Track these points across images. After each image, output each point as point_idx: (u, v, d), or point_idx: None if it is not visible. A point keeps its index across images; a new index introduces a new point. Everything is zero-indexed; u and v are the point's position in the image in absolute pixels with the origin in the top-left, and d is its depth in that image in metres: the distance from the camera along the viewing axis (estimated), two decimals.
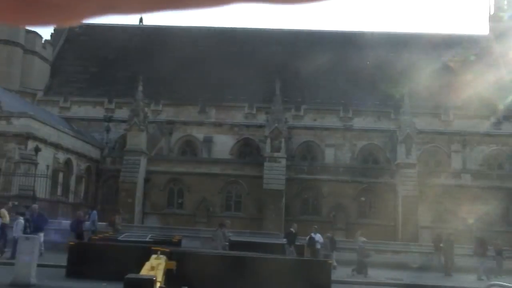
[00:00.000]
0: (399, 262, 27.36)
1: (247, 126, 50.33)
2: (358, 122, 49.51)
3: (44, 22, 0.74)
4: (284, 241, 24.84)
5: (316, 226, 26.65)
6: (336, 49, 54.52)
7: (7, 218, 22.57)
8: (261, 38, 59.74)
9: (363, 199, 42.16)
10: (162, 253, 11.14)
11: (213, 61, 56.76)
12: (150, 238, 22.16)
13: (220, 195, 42.87)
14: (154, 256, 10.76)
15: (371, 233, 31.37)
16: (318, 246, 24.97)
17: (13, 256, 19.50)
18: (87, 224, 26.14)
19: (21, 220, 20.60)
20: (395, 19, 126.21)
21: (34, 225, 20.42)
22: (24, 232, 20.34)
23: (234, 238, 24.62)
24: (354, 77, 51.20)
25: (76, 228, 23.84)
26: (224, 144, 49.93)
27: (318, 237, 25.53)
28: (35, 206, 20.05)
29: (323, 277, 14.82)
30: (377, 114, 49.46)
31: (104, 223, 28.18)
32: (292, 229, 25.11)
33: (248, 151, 50.50)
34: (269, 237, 29.90)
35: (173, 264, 10.84)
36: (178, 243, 21.49)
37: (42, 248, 19.74)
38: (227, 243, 22.50)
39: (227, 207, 43.17)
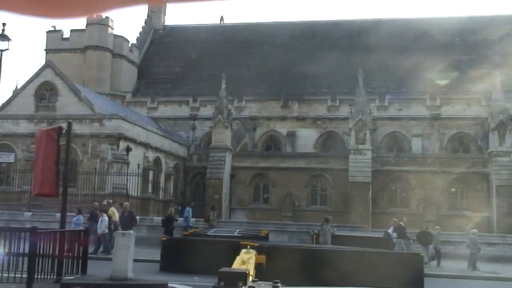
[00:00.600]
0: (496, 255, 26.08)
1: (331, 119, 49.83)
2: (447, 111, 47.70)
3: (67, 15, 0.74)
4: (394, 235, 23.90)
5: (395, 219, 25.57)
6: (420, 36, 52.86)
7: (116, 216, 23.67)
8: (342, 30, 58.96)
9: (453, 190, 40.58)
10: (252, 247, 11.21)
11: (294, 55, 56.61)
12: (238, 233, 22.41)
13: (305, 189, 42.74)
14: (244, 250, 10.85)
15: (463, 225, 30.18)
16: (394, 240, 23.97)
17: (96, 251, 20.36)
18: (180, 220, 26.75)
19: (105, 217, 21.33)
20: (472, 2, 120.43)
21: (124, 223, 21.10)
22: (108, 228, 21.13)
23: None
24: (439, 64, 49.33)
25: (168, 225, 24.49)
26: (307, 138, 49.74)
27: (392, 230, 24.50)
28: (127, 204, 20.79)
29: (416, 270, 14.40)
30: (467, 101, 47.44)
31: (194, 219, 28.85)
32: (401, 223, 24.29)
33: (332, 144, 50.00)
34: (356, 231, 29.45)
35: (263, 258, 10.91)
36: (266, 238, 21.59)
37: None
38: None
39: (313, 201, 42.97)
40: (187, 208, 27.80)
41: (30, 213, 26.80)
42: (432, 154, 44.52)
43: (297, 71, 54.33)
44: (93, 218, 23.21)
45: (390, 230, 24.30)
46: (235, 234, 22.28)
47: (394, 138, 48.77)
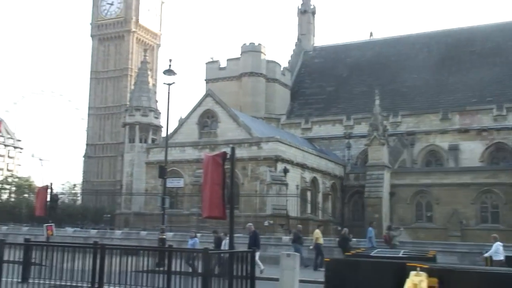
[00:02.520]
0: None
1: (498, 129, 46.45)
2: None
3: None
4: None
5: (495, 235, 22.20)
6: None
7: (321, 239, 24.41)
8: (505, 34, 55.05)
9: None
10: (422, 269, 10.63)
11: (451, 65, 54.03)
12: (403, 254, 21.47)
13: (473, 206, 40.09)
14: (413, 272, 10.32)
15: None
16: (501, 257, 20.97)
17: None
18: (354, 240, 26.27)
19: (227, 240, 21.44)
20: None
21: (250, 243, 20.99)
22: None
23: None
24: None
25: (344, 245, 24.22)
26: (472, 151, 46.80)
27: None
28: (250, 225, 20.92)
29: None
30: None
31: (355, 240, 28.28)
32: None
33: (501, 157, 46.48)
34: None
35: (434, 281, 10.27)
36: (433, 259, 20.40)
37: (261, 266, 20.10)
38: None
39: (483, 218, 40.12)
40: (370, 228, 26.94)
41: (199, 234, 28.23)
42: None
43: (456, 80, 51.69)
44: (298, 240, 24.07)
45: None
46: (400, 255, 21.36)
47: None
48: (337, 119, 53.83)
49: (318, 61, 65.60)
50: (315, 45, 68.42)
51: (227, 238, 20.96)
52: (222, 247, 20.70)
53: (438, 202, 41.14)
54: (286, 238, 27.74)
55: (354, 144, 51.82)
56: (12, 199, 50.36)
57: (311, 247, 24.62)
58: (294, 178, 38.70)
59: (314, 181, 42.34)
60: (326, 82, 60.92)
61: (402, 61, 58.95)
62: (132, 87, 53.53)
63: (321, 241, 24.53)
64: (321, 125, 54.46)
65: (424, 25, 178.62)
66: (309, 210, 40.04)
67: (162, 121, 45.78)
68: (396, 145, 48.16)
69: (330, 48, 67.06)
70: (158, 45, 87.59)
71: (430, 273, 10.91)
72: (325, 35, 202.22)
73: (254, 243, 19.28)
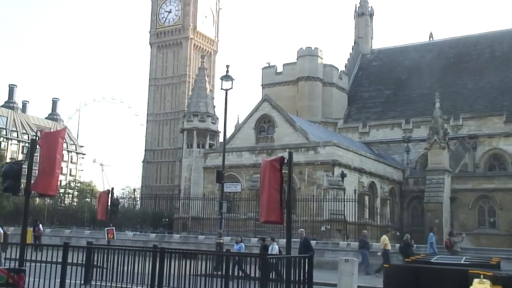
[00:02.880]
0: None
1: None
2: None
3: None
4: None
5: None
6: None
7: (389, 245, 24.29)
8: None
9: None
10: (485, 277, 10.31)
11: None
12: (465, 260, 20.85)
13: None
14: (476, 280, 10.03)
15: None
16: None
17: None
18: (416, 246, 25.79)
19: (275, 245, 21.20)
20: None
21: (300, 248, 20.63)
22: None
23: None
24: None
25: (406, 251, 23.83)
26: None
27: None
28: (302, 230, 20.65)
29: None
30: None
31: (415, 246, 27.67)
32: None
33: None
34: None
35: None
36: (497, 266, 19.72)
37: None
38: None
39: None
40: (431, 234, 26.38)
41: (256, 239, 28.34)
42: None
43: None
44: (364, 246, 23.97)
45: None
46: (461, 261, 20.75)
47: None
48: (395, 123, 52.92)
49: (376, 64, 64.75)
50: (372, 47, 67.57)
51: (274, 243, 20.95)
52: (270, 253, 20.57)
53: (501, 207, 39.77)
54: (344, 244, 27.45)
55: (413, 148, 50.78)
56: (75, 203, 52.09)
57: (379, 253, 24.35)
58: (352, 182, 38.28)
59: (372, 185, 41.75)
60: (384, 85, 60.04)
61: (463, 62, 57.41)
62: (190, 93, 54.39)
63: (389, 247, 24.28)
64: (379, 129, 53.68)
65: (486, 25, 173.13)
66: (367, 215, 39.48)
67: (219, 126, 46.34)
68: (457, 148, 46.88)
69: (388, 51, 66.09)
70: (215, 51, 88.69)
71: (494, 280, 10.57)
72: (383, 37, 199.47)
73: (305, 248, 19.07)
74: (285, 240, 12.62)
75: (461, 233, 30.27)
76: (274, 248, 19.75)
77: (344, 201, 33.77)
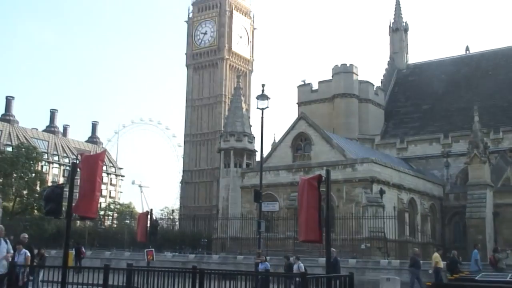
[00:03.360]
0: None
1: None
2: None
3: None
4: None
5: None
6: None
7: (441, 262, 23.97)
8: None
9: None
10: None
11: None
12: (510, 278, 20.23)
13: None
14: None
15: None
16: None
17: None
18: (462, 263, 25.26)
19: (301, 264, 20.74)
20: None
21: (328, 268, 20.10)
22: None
23: None
24: None
25: (453, 268, 23.33)
26: None
27: None
28: (333, 250, 20.21)
29: None
30: None
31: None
32: None
33: None
34: None
35: None
36: None
37: None
38: None
39: None
40: (475, 251, 25.74)
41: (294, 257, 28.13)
42: None
43: None
44: (415, 265, 23.65)
45: None
46: (507, 279, 20.14)
47: None
48: (434, 138, 52.11)
49: (412, 79, 64.07)
50: (408, 62, 66.95)
51: (299, 262, 20.65)
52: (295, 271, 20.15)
53: None
54: (385, 262, 26.99)
55: (452, 162, 49.84)
56: (115, 225, 52.77)
57: (430, 271, 23.88)
58: (391, 199, 37.74)
59: (411, 202, 41.08)
60: (421, 100, 59.30)
61: (501, 74, 56.32)
62: (226, 113, 54.82)
63: (440, 264, 23.76)
64: (417, 144, 52.92)
65: None
66: (407, 232, 38.80)
67: (256, 146, 46.43)
68: (499, 162, 45.75)
69: (424, 65, 65.37)
70: (251, 71, 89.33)
71: None
72: (418, 52, 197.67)
73: (335, 268, 18.74)
74: (324, 258, 12.48)
75: (506, 250, 29.37)
76: (300, 267, 19.50)
77: (383, 218, 33.30)
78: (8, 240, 12.41)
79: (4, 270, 11.97)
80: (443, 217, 44.75)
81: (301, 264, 19.86)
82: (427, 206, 42.75)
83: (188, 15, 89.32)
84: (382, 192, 36.39)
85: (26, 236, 16.58)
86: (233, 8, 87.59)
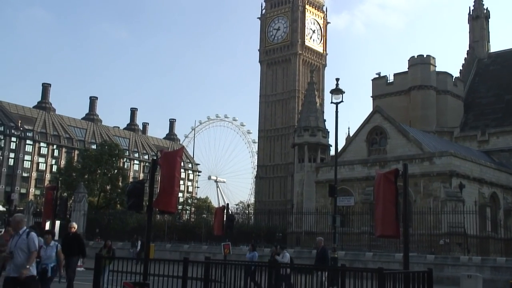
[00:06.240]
0: None
1: None
2: None
3: None
4: None
5: None
6: None
7: None
8: None
9: None
10: None
11: None
12: None
13: None
14: None
15: None
16: None
17: None
18: None
19: (286, 253, 20.10)
20: None
21: (317, 259, 19.33)
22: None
23: None
24: None
25: None
26: None
27: None
28: (320, 239, 19.44)
29: None
30: None
31: None
32: None
33: None
34: None
35: None
36: None
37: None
38: None
39: None
40: None
41: (371, 253, 27.78)
42: None
43: None
44: None
45: None
46: None
47: None
48: None
49: (494, 68, 61.44)
50: (489, 51, 64.25)
51: (285, 251, 20.21)
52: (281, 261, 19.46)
53: None
54: (465, 258, 26.14)
55: None
56: (193, 219, 54.00)
57: None
58: (471, 194, 36.47)
59: (493, 196, 39.54)
60: (504, 90, 56.78)
61: None
62: (300, 108, 54.80)
63: None
64: (500, 136, 50.77)
65: None
66: (489, 228, 37.35)
67: (330, 140, 46.19)
68: None
69: (507, 54, 62.50)
70: (324, 65, 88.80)
71: None
72: (501, 40, 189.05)
73: (322, 259, 18.25)
74: (401, 254, 12.30)
75: None
76: (285, 256, 19.21)
77: (463, 213, 32.22)
78: (33, 233, 9.04)
79: (30, 273, 8.78)
80: None
81: (287, 254, 19.56)
82: (510, 201, 40.99)
83: (261, 12, 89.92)
84: (462, 186, 35.29)
85: (75, 226, 15.85)
86: (306, 3, 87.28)
